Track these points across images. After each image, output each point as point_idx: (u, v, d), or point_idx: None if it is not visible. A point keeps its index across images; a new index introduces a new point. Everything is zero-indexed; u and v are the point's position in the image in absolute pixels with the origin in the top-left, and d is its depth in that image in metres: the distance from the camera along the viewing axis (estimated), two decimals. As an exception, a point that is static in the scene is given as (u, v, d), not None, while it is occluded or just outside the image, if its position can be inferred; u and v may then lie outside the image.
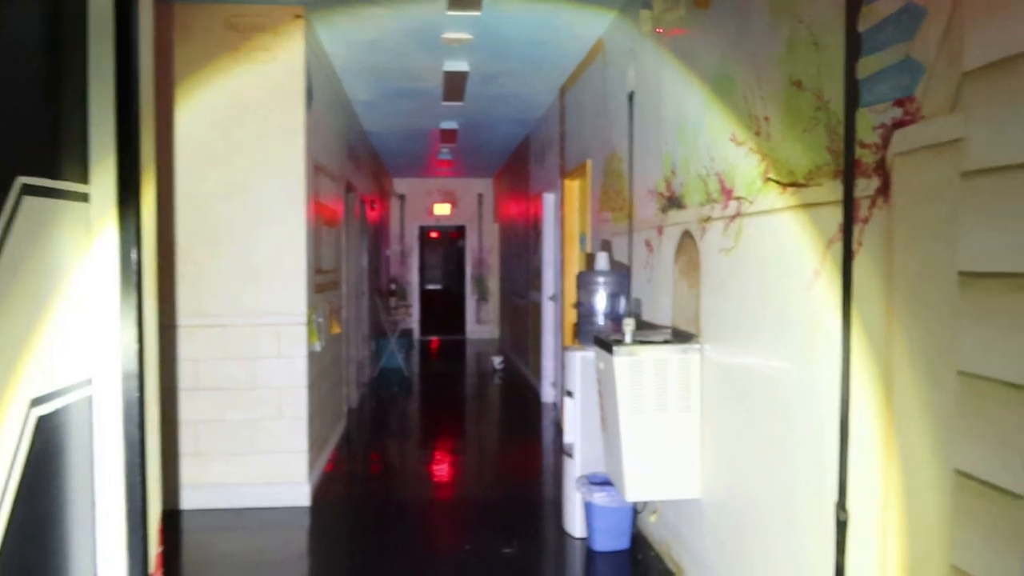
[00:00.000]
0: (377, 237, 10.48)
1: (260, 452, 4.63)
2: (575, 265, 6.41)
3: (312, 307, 4.90)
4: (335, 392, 6.17)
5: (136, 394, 2.09)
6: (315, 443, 5.01)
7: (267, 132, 4.60)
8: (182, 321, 4.55)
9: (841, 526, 2.17)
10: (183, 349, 4.56)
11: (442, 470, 5.69)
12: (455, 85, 6.33)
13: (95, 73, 2.02)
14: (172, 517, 4.39)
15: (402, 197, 13.97)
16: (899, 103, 1.89)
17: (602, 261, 4.36)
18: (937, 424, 1.75)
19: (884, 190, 1.96)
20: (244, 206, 4.60)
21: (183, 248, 4.55)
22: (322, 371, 5.38)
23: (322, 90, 5.42)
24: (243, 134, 4.57)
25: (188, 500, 4.55)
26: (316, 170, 5.16)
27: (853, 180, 2.10)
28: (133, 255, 2.07)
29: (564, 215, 6.69)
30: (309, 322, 4.77)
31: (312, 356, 4.86)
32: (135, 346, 2.07)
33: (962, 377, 1.66)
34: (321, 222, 5.37)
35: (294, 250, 4.66)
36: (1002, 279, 1.54)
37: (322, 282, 5.38)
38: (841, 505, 2.17)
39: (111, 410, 2.07)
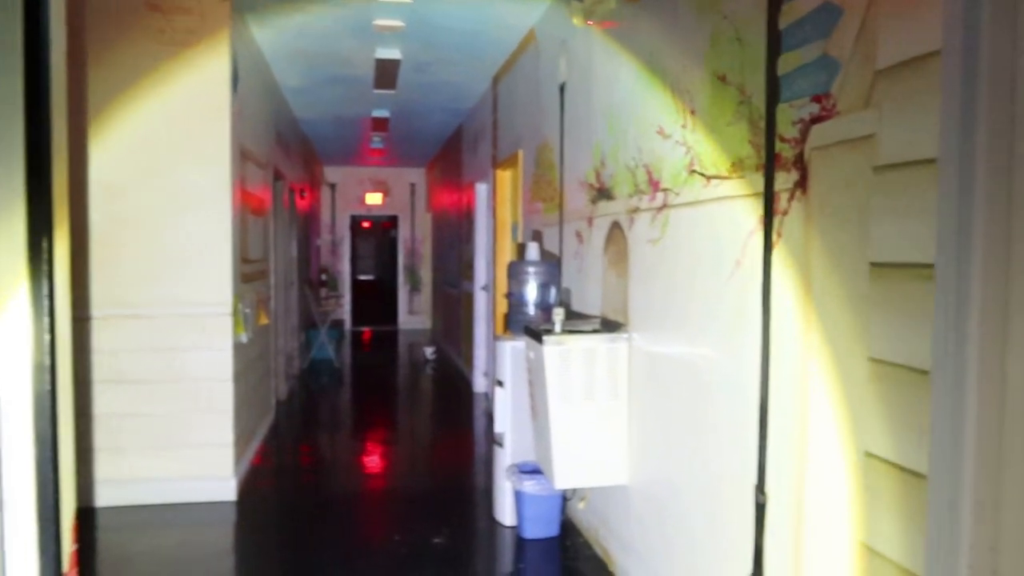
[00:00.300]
0: (307, 226, 10.28)
1: (183, 446, 4.50)
2: (507, 255, 6.43)
3: (238, 297, 4.78)
4: (263, 384, 6.04)
5: (48, 387, 2.00)
6: (241, 436, 4.90)
7: (190, 117, 4.45)
8: (100, 312, 4.37)
9: (760, 508, 2.25)
10: (101, 340, 4.38)
11: (373, 461, 5.64)
12: (387, 73, 6.25)
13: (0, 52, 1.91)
14: (88, 515, 4.23)
15: (333, 186, 13.74)
16: (816, 99, 1.95)
17: (533, 251, 4.39)
18: (849, 408, 1.83)
19: (802, 183, 2.03)
20: (166, 192, 4.44)
21: (99, 236, 4.37)
22: (249, 363, 5.26)
23: (249, 75, 5.28)
24: (165, 119, 4.41)
25: (106, 497, 4.39)
26: (243, 157, 5.03)
27: (773, 173, 2.17)
28: (44, 243, 1.97)
29: (496, 205, 6.70)
30: (235, 312, 4.65)
31: (238, 347, 4.74)
32: (47, 337, 1.98)
33: (872, 363, 1.73)
34: (248, 210, 5.23)
35: (219, 238, 4.54)
36: (907, 269, 1.61)
37: (249, 272, 5.25)
38: (760, 488, 2.25)
39: (20, 404, 1.97)
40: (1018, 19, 1.40)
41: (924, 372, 1.56)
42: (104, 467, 4.41)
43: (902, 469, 1.64)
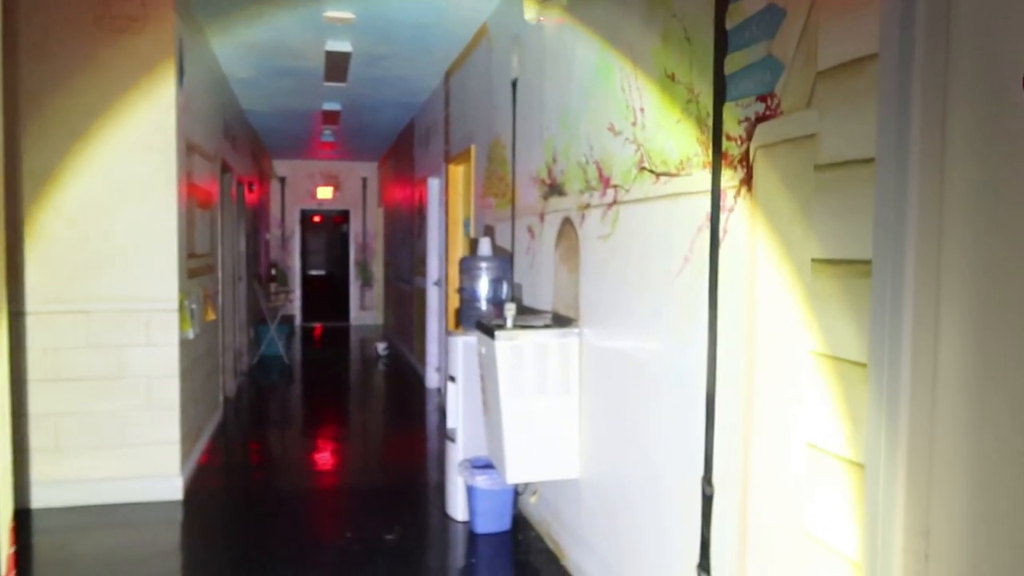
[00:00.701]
0: (256, 220, 10.10)
1: (128, 445, 4.39)
2: (459, 250, 6.42)
3: (184, 292, 4.68)
4: (210, 381, 5.93)
5: (-19, 385, 1.94)
6: (188, 434, 4.80)
7: (135, 107, 4.34)
8: (37, 307, 4.23)
9: (707, 499, 2.30)
10: (39, 337, 4.24)
11: (324, 458, 5.58)
12: (337, 65, 6.18)
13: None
14: (24, 517, 4.10)
15: (283, 180, 13.53)
16: (761, 98, 2.00)
17: (485, 247, 4.39)
18: (792, 400, 1.88)
19: (748, 181, 2.07)
20: (108, 184, 4.32)
21: (36, 228, 4.23)
22: (196, 359, 5.15)
23: (196, 65, 5.16)
24: (107, 108, 4.29)
25: (45, 498, 4.26)
26: (189, 149, 4.92)
27: (720, 171, 2.21)
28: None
29: (449, 200, 6.69)
30: (181, 308, 4.56)
31: (184, 344, 4.64)
32: (-21, 333, 1.92)
33: (813, 356, 1.78)
34: (195, 203, 5.12)
35: (164, 232, 4.43)
36: (847, 265, 1.67)
37: (196, 266, 5.14)
38: (707, 479, 2.30)
39: (-48, 403, 1.90)
40: (951, 25, 1.45)
41: (862, 365, 1.62)
42: (42, 468, 4.28)
43: (841, 458, 1.69)
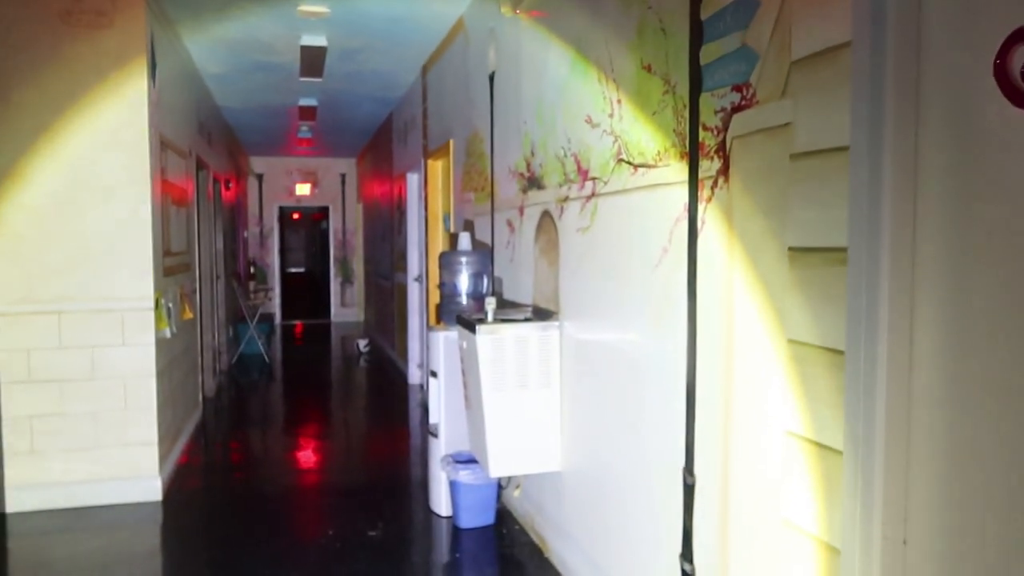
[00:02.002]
0: (234, 218, 10.01)
1: (104, 446, 4.34)
2: (439, 245, 6.40)
3: (161, 291, 4.63)
4: (189, 380, 5.87)
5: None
6: (166, 435, 4.75)
7: (106, 104, 4.27)
8: (7, 308, 4.17)
9: (688, 489, 2.30)
10: (9, 338, 4.17)
11: (306, 457, 5.55)
12: (313, 60, 6.12)
13: None
14: None
15: (260, 176, 13.41)
16: (737, 88, 2.00)
17: (464, 241, 4.38)
18: (771, 390, 1.89)
19: (724, 171, 2.08)
20: (79, 182, 4.25)
21: (4, 226, 4.15)
22: (173, 358, 5.09)
23: (168, 60, 5.09)
24: (78, 105, 4.22)
25: (20, 502, 4.20)
26: (163, 145, 4.86)
27: (697, 161, 2.22)
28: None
29: (428, 195, 6.66)
30: (157, 307, 4.50)
31: (161, 343, 4.59)
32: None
33: (792, 345, 1.79)
34: (170, 201, 5.06)
35: (139, 230, 4.37)
36: (823, 253, 1.67)
37: (172, 265, 5.08)
38: (688, 469, 2.30)
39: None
40: (923, 12, 1.46)
41: (839, 352, 1.62)
42: (17, 471, 4.21)
43: (819, 446, 1.70)
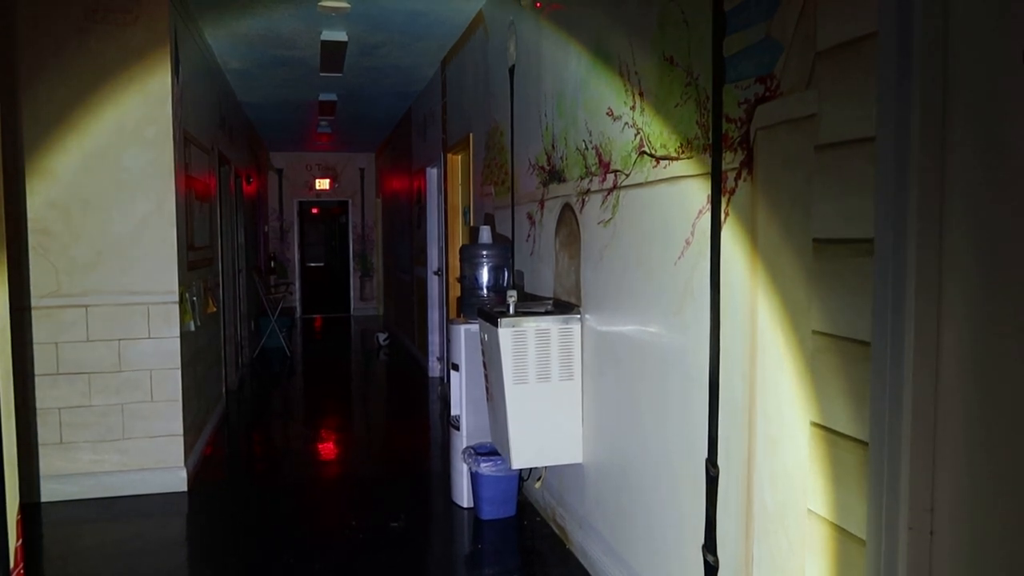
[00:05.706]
0: (254, 212, 10.10)
1: (131, 437, 4.41)
2: (459, 239, 6.42)
3: (185, 285, 4.68)
4: (213, 373, 5.94)
5: (-13, 379, 1.94)
6: (192, 426, 4.81)
7: (131, 100, 4.32)
8: (38, 302, 4.24)
9: (712, 480, 2.31)
10: (40, 332, 4.25)
11: (327, 449, 5.60)
12: (333, 55, 6.15)
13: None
14: (33, 510, 4.12)
15: (280, 172, 13.50)
16: (760, 80, 1.99)
17: (485, 235, 4.39)
18: (795, 381, 1.89)
19: (748, 163, 2.07)
20: (107, 178, 4.31)
21: (37, 223, 4.23)
22: (197, 351, 5.16)
23: (190, 56, 5.14)
24: (104, 101, 4.28)
25: (52, 492, 4.28)
26: (186, 141, 4.91)
27: (720, 153, 2.21)
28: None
29: (447, 189, 6.68)
30: (182, 301, 4.56)
31: (186, 336, 4.65)
32: (-16, 327, 1.92)
33: (816, 336, 1.79)
34: (193, 196, 5.12)
35: (163, 225, 4.43)
36: (848, 245, 1.67)
37: (195, 259, 5.14)
38: (712, 461, 2.31)
39: (-42, 397, 1.91)
40: (949, 2, 1.45)
41: (866, 343, 1.62)
42: (49, 461, 4.29)
43: (845, 437, 1.70)
